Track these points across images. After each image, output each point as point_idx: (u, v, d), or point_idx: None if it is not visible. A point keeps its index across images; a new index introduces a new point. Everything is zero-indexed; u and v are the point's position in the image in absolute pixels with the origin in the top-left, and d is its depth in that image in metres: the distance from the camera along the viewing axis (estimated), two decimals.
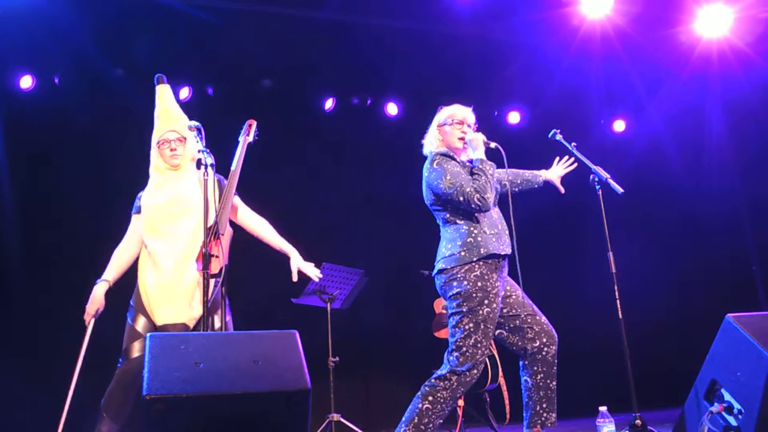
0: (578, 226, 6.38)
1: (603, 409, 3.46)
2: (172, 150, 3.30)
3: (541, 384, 3.10)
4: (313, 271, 3.33)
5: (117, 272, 3.32)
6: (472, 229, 3.09)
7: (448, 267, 3.08)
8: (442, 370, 3.03)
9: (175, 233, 3.17)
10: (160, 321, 3.07)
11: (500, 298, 3.10)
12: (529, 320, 3.13)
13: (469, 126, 3.30)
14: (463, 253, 3.05)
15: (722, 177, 7.06)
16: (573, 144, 3.76)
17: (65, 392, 5.03)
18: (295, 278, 3.28)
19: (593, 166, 3.72)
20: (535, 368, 3.11)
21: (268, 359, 2.31)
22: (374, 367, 6.12)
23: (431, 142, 3.34)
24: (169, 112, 3.40)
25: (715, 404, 2.62)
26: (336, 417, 4.57)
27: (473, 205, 3.01)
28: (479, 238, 3.07)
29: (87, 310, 3.26)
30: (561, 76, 6.28)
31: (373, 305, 5.77)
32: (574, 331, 6.32)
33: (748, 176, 7.03)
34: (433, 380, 3.03)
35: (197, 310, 3.04)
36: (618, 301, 3.61)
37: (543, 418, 3.08)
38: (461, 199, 3.03)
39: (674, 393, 4.11)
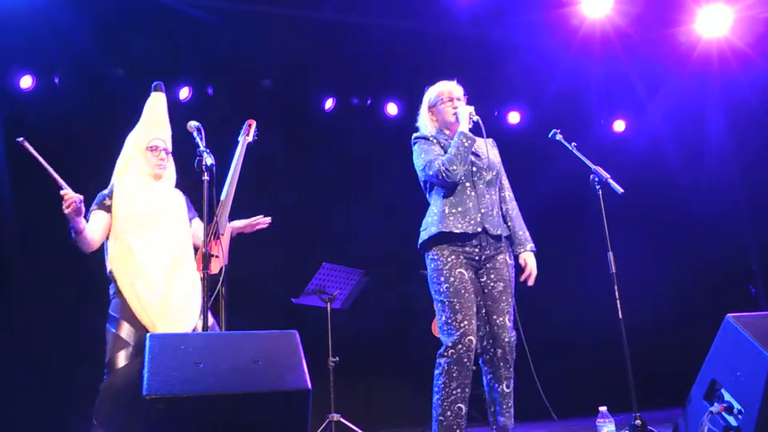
0: (578, 226, 6.38)
1: (603, 409, 3.46)
2: (161, 159, 3.26)
3: (491, 385, 3.06)
4: (258, 219, 3.41)
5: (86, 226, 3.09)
6: (434, 208, 3.13)
7: (419, 249, 3.16)
8: (440, 349, 3.02)
9: (163, 241, 3.12)
10: (158, 330, 2.98)
11: (470, 271, 3.03)
12: (486, 318, 3.07)
13: (459, 99, 3.27)
14: (423, 234, 3.12)
15: (722, 177, 7.06)
16: (573, 144, 3.77)
17: (65, 392, 5.04)
18: (246, 225, 3.40)
19: (593, 166, 3.73)
20: (486, 368, 3.09)
21: (268, 359, 2.31)
22: (374, 367, 6.11)
23: (425, 125, 3.34)
24: (162, 120, 3.36)
25: (715, 404, 2.62)
26: (336, 417, 4.57)
27: (440, 177, 3.04)
28: (436, 218, 3.08)
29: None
30: (561, 76, 6.27)
31: (373, 305, 5.77)
32: (575, 331, 6.35)
33: (748, 176, 7.03)
34: (437, 360, 3.00)
35: (195, 317, 3.02)
36: (618, 301, 3.61)
37: (496, 419, 3.03)
38: (431, 173, 3.08)
39: (674, 393, 4.12)
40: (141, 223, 3.13)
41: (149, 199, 3.20)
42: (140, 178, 3.24)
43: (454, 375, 2.91)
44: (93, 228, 3.12)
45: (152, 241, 3.11)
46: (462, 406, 2.91)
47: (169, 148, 3.33)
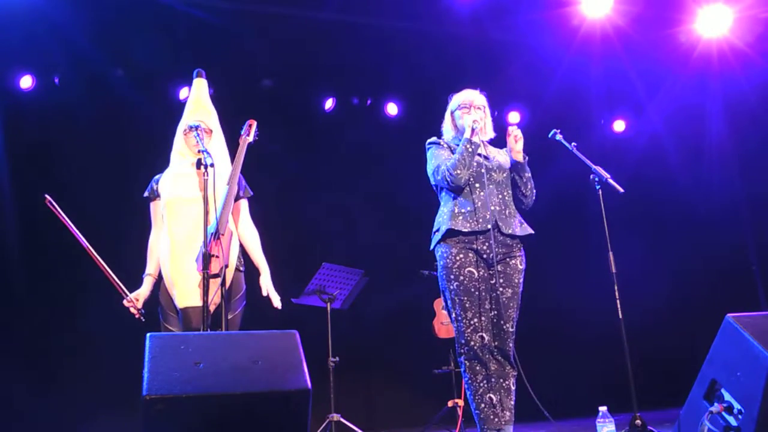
0: (578, 226, 6.38)
1: (603, 409, 3.46)
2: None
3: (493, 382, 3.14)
4: (275, 299, 3.35)
5: (157, 262, 3.29)
6: (444, 208, 3.25)
7: (432, 248, 3.26)
8: (457, 348, 3.14)
9: (192, 219, 3.17)
10: (181, 303, 3.08)
11: (481, 270, 3.11)
12: (494, 321, 3.14)
13: (477, 108, 3.32)
14: (436, 235, 3.23)
15: (722, 177, 7.06)
16: (573, 144, 3.76)
17: (67, 393, 5.03)
18: (264, 293, 3.34)
19: (593, 166, 3.73)
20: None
21: (268, 359, 2.31)
22: (374, 367, 6.11)
23: (446, 129, 3.43)
24: (200, 102, 3.48)
25: (715, 404, 2.61)
26: (336, 417, 4.57)
27: (446, 182, 3.18)
28: (445, 217, 3.19)
29: (130, 295, 3.21)
30: (561, 76, 6.27)
31: (373, 305, 5.77)
32: (575, 331, 6.35)
33: (748, 176, 7.03)
34: (458, 360, 3.14)
35: (216, 295, 3.03)
36: (618, 301, 3.61)
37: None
38: (439, 177, 3.23)
39: (674, 393, 4.12)
40: (171, 203, 3.24)
41: (185, 179, 3.28)
42: (180, 159, 3.35)
43: (477, 369, 3.06)
44: (155, 235, 3.32)
45: (177, 219, 3.20)
46: (492, 396, 3.03)
47: (209, 128, 3.40)
